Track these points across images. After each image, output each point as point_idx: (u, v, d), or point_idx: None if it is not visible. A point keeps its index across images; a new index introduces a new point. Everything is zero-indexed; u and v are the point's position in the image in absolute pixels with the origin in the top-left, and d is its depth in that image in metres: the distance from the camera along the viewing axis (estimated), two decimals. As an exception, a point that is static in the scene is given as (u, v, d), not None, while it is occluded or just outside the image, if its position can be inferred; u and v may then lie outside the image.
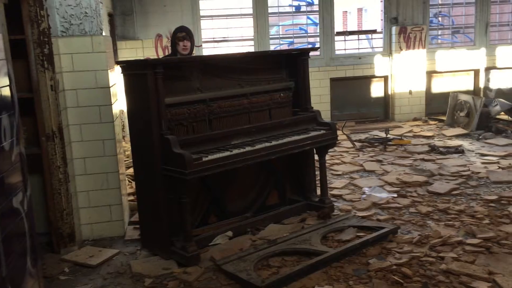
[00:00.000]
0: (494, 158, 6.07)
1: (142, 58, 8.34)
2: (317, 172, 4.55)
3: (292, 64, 4.38)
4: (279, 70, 4.36)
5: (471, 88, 9.59)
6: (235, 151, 3.62)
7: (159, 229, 3.66)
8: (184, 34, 4.70)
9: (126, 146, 7.35)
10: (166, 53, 8.48)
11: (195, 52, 8.48)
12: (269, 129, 4.06)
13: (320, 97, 8.98)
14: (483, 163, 5.91)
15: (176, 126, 3.68)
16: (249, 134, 3.92)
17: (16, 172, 2.39)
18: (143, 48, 8.40)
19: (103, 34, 4.05)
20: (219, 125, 3.91)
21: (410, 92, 9.13)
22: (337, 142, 4.46)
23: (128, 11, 8.28)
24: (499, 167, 5.66)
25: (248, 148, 3.69)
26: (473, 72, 9.57)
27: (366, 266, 3.35)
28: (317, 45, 9.30)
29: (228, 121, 3.97)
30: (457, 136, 7.48)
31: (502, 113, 7.90)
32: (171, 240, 3.63)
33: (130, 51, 8.30)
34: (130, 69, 3.68)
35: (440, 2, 9.94)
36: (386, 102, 9.40)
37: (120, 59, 8.16)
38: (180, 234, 3.62)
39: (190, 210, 3.59)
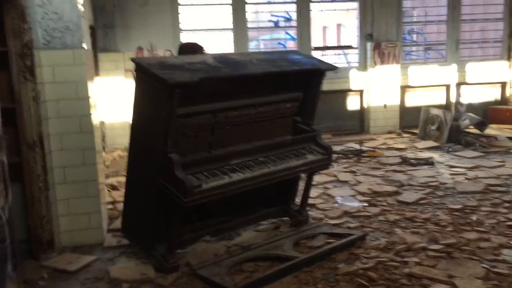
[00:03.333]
0: (462, 170, 6.34)
1: (123, 69, 8.48)
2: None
3: (302, 75, 4.26)
4: (288, 80, 4.21)
5: (443, 102, 9.92)
6: (235, 177, 3.58)
7: (143, 231, 3.76)
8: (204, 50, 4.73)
9: (105, 156, 7.44)
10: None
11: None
12: (270, 149, 4.01)
13: (297, 110, 9.21)
14: (451, 174, 6.17)
15: (179, 135, 3.58)
16: (249, 154, 3.87)
17: (-1, 178, 2.51)
18: (124, 61, 8.52)
19: (84, 47, 4.19)
20: (221, 135, 3.86)
21: (385, 106, 9.42)
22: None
23: (109, 24, 8.42)
24: (466, 178, 5.92)
25: (247, 175, 3.65)
26: (445, 87, 9.91)
27: (334, 271, 3.52)
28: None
29: (232, 130, 3.91)
30: (429, 149, 7.76)
31: (471, 126, 8.22)
32: (153, 244, 3.73)
33: (111, 63, 8.41)
34: (148, 76, 3.48)
35: (413, 20, 10.30)
36: (361, 115, 9.67)
37: (101, 71, 8.29)
38: (162, 239, 3.72)
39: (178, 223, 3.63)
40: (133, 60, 3.61)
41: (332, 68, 4.41)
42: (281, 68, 4.00)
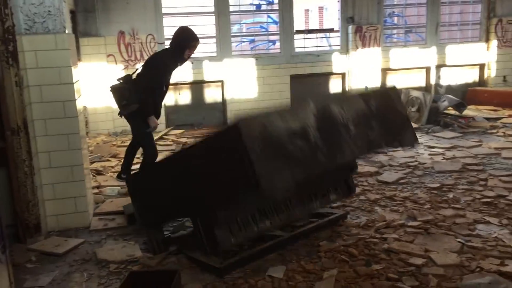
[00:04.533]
0: (440, 150, 6.51)
1: (105, 54, 8.44)
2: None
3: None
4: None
5: (423, 84, 10.11)
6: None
7: (152, 214, 3.71)
8: (198, 43, 4.75)
9: (89, 141, 7.44)
10: (129, 50, 8.59)
11: (157, 49, 8.65)
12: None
13: (280, 93, 9.31)
14: (430, 154, 6.33)
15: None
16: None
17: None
18: (106, 45, 8.48)
19: (67, 32, 4.19)
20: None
21: (366, 88, 9.54)
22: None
23: (90, 8, 8.35)
24: (444, 158, 6.10)
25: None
26: (424, 69, 10.09)
27: (317, 248, 3.64)
28: (277, 43, 9.61)
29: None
30: (409, 130, 7.91)
31: (450, 108, 8.41)
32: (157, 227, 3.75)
33: (93, 48, 8.37)
34: (240, 157, 2.73)
35: (394, 3, 10.39)
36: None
37: (83, 56, 8.23)
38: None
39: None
40: (237, 129, 2.72)
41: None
42: (376, 148, 3.65)
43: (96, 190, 5.26)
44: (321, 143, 3.07)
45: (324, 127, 3.14)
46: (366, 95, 3.67)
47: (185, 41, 4.72)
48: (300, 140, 2.98)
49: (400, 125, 3.76)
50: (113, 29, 8.51)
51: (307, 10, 22.50)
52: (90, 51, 8.35)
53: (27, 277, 3.43)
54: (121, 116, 4.88)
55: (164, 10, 8.87)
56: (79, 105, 4.39)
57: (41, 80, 4.06)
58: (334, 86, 9.80)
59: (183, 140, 7.88)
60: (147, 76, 4.72)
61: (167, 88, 4.96)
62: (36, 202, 4.00)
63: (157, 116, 4.86)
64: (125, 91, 4.67)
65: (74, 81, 4.19)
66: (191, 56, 4.89)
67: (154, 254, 3.67)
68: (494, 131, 7.55)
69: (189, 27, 4.89)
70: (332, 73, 9.68)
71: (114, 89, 4.74)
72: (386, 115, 3.64)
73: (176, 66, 4.89)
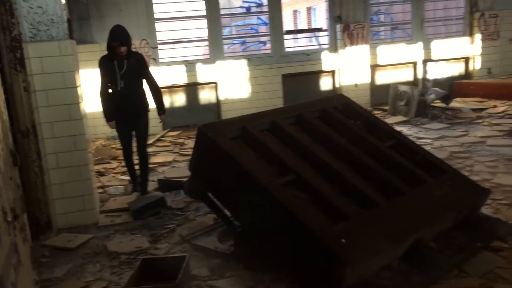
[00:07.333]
0: (429, 141, 6.79)
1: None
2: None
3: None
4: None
5: (411, 79, 10.40)
6: None
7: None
8: (118, 44, 4.83)
9: (93, 144, 7.62)
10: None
11: (151, 54, 8.86)
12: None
13: (273, 92, 9.57)
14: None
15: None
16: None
17: None
18: (101, 52, 8.61)
19: (69, 38, 4.41)
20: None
21: (356, 85, 9.83)
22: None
23: (84, 16, 8.56)
24: (432, 148, 6.36)
25: None
26: (412, 64, 10.39)
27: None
28: (268, 44, 9.87)
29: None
30: (398, 123, 8.19)
31: (438, 100, 8.69)
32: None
33: (88, 54, 8.56)
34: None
35: (379, 1, 10.69)
36: (334, 94, 10.05)
37: (79, 62, 8.40)
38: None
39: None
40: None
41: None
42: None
43: (100, 190, 5.47)
44: None
45: None
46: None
47: (109, 41, 4.94)
48: None
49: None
50: (107, 36, 8.68)
51: (295, 11, 22.83)
52: (86, 57, 8.52)
53: (42, 270, 3.65)
54: None
55: (156, 16, 9.10)
56: (83, 108, 4.61)
57: (47, 85, 4.28)
58: (325, 84, 10.06)
59: (181, 141, 8.11)
60: None
61: (127, 88, 4.97)
62: (47, 201, 4.21)
63: (125, 116, 5.07)
64: None
65: (77, 85, 4.41)
66: (124, 51, 4.88)
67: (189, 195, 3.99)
68: (480, 121, 7.83)
69: (117, 26, 4.99)
70: (322, 71, 9.95)
71: None
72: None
73: (114, 64, 4.94)
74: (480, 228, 3.66)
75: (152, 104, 5.26)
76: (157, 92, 5.23)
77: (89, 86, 8.40)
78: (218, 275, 3.32)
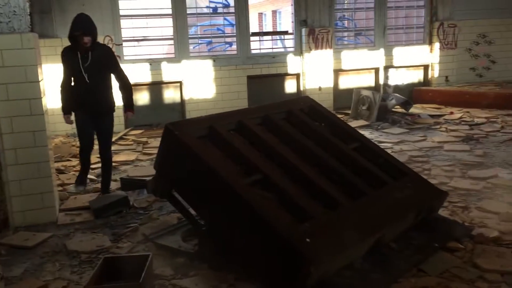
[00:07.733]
0: (389, 145, 6.97)
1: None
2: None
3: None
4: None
5: (373, 84, 10.64)
6: None
7: None
8: (81, 33, 4.63)
9: (53, 142, 7.41)
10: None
11: (115, 51, 8.70)
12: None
13: (238, 94, 9.59)
14: (379, 148, 6.77)
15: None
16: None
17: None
18: (62, 46, 8.39)
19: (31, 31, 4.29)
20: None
21: (320, 89, 9.97)
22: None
23: (46, 9, 8.32)
24: (392, 152, 6.53)
25: None
26: (374, 70, 10.63)
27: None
28: (234, 45, 9.88)
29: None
30: (360, 127, 8.34)
31: (398, 106, 8.94)
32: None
33: (49, 49, 8.32)
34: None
35: (344, 7, 10.89)
36: (300, 96, 10.16)
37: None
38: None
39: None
40: None
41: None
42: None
43: (60, 188, 5.33)
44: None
45: None
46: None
47: (71, 30, 4.75)
48: None
49: None
50: (70, 30, 8.49)
51: (261, 13, 22.95)
52: (47, 52, 8.27)
53: (-1, 269, 3.52)
54: None
55: (121, 12, 8.95)
56: (45, 103, 4.48)
57: (7, 78, 4.14)
58: (289, 87, 10.16)
59: (144, 139, 8.00)
60: None
61: (92, 83, 4.82)
62: (4, 198, 4.07)
63: (87, 110, 4.93)
64: None
65: (40, 80, 4.29)
66: (89, 42, 4.73)
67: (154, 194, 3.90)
68: (438, 126, 8.11)
69: (80, 14, 4.81)
70: (287, 74, 10.04)
71: None
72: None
73: (77, 56, 4.78)
74: (437, 229, 3.79)
75: (119, 103, 5.15)
76: (126, 88, 5.06)
77: (49, 81, 8.19)
78: (182, 274, 3.31)
